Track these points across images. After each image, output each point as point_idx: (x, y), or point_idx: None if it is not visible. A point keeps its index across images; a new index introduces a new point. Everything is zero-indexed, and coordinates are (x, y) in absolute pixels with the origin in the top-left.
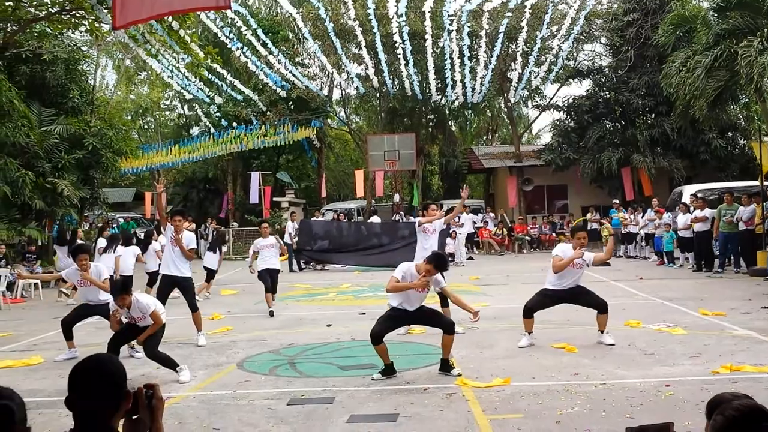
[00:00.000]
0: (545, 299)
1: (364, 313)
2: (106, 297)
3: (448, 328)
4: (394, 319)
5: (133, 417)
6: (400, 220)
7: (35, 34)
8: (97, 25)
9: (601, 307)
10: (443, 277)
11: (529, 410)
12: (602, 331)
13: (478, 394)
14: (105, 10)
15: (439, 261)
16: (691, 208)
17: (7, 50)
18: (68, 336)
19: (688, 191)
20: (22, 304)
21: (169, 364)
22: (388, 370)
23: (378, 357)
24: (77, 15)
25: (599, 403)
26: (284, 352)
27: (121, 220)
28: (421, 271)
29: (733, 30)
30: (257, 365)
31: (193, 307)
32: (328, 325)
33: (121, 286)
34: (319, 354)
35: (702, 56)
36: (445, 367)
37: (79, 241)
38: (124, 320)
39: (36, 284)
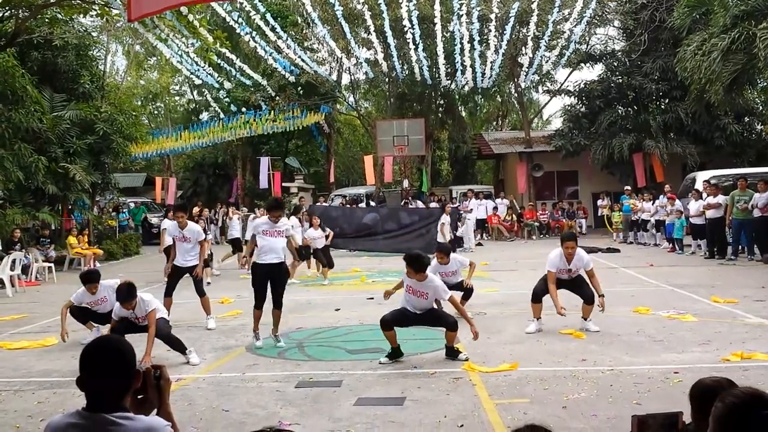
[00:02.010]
0: (547, 285)
1: (372, 298)
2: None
3: (451, 327)
4: (405, 316)
5: (139, 396)
6: (410, 205)
7: (46, 20)
8: (106, 9)
9: (588, 299)
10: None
11: (536, 395)
12: (585, 319)
13: (484, 378)
14: None
15: (410, 260)
16: (704, 195)
17: (19, 36)
18: (84, 321)
19: (701, 177)
20: (36, 287)
21: (179, 347)
22: (395, 354)
23: (386, 341)
24: (87, 0)
25: (606, 389)
26: (293, 335)
27: (132, 205)
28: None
29: (752, 11)
30: (266, 348)
31: (201, 293)
32: (337, 310)
33: (126, 293)
34: (327, 338)
35: (719, 39)
36: (451, 353)
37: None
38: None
39: (50, 267)
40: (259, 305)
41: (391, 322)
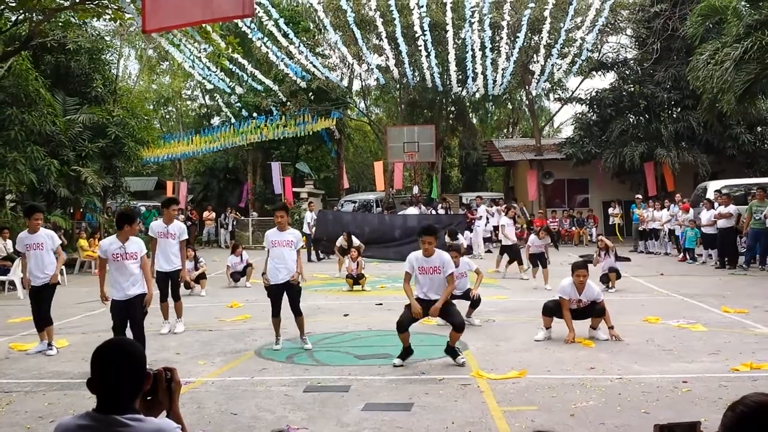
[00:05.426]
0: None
1: (381, 304)
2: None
3: (458, 327)
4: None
5: (148, 398)
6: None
7: (60, 24)
8: (120, 13)
9: (597, 315)
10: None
11: (544, 403)
12: (594, 329)
13: (492, 385)
14: (128, 0)
15: (421, 229)
16: (716, 205)
17: (32, 40)
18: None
19: (712, 187)
20: None
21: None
22: (407, 353)
23: (394, 347)
24: (101, 4)
25: (614, 398)
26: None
27: (143, 209)
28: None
29: (766, 21)
30: (275, 353)
31: (176, 297)
32: (346, 315)
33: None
34: (335, 343)
35: (731, 48)
36: (451, 352)
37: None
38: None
39: (60, 270)
40: None
41: (406, 324)
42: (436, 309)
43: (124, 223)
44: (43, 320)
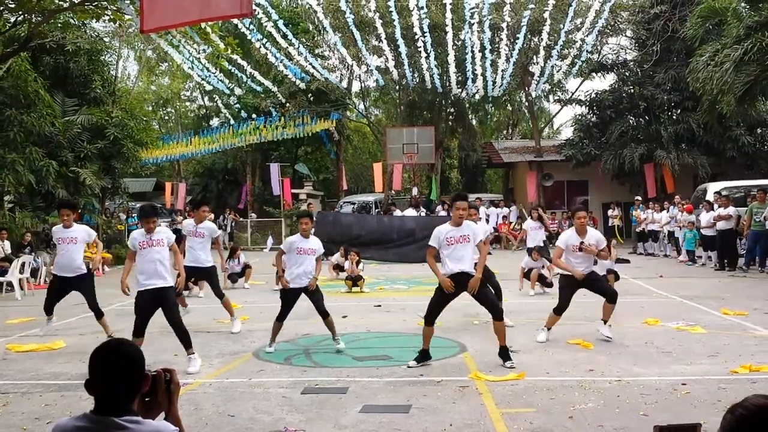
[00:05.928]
0: (567, 290)
1: (379, 306)
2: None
3: (496, 313)
4: (445, 297)
5: (146, 399)
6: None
7: (59, 25)
8: (119, 14)
9: (609, 296)
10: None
11: (542, 405)
12: (604, 321)
13: (491, 387)
14: (127, 1)
15: (454, 196)
16: (715, 206)
17: (31, 41)
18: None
19: (712, 189)
20: (45, 290)
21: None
22: (424, 356)
23: (393, 349)
24: (100, 5)
25: (613, 400)
26: (300, 341)
27: None
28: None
29: (766, 22)
30: (273, 354)
31: (219, 295)
32: (344, 317)
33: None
34: (334, 345)
35: (731, 50)
36: (504, 354)
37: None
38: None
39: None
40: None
41: (435, 312)
42: (476, 280)
43: (140, 218)
44: (93, 312)
